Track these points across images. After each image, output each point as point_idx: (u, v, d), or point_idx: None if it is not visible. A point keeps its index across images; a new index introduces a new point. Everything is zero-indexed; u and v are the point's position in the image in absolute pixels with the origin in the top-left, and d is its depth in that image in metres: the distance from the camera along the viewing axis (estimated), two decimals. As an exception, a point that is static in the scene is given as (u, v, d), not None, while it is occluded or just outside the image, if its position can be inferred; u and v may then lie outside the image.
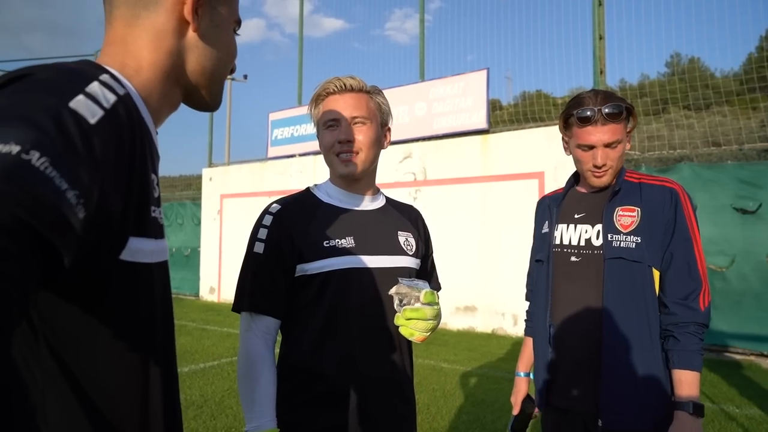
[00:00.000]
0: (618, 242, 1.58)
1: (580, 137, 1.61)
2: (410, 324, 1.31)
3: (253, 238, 1.41)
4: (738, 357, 6.11)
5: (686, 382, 1.50)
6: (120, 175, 0.61)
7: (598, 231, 1.64)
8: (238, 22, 0.88)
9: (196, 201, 13.04)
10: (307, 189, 1.53)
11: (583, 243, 1.67)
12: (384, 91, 1.53)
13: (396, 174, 8.82)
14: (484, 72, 8.28)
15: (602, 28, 7.41)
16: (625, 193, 1.63)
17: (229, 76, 0.91)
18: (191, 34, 0.78)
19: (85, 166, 0.54)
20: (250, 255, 1.41)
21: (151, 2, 0.74)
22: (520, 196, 7.56)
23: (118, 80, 0.66)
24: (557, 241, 1.72)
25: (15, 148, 0.48)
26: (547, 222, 1.79)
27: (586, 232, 1.66)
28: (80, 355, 0.63)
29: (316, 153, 10.20)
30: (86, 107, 0.57)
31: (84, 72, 0.62)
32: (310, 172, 10.27)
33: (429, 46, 9.39)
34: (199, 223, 12.62)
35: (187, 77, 0.80)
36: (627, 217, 1.60)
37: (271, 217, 1.41)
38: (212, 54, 0.81)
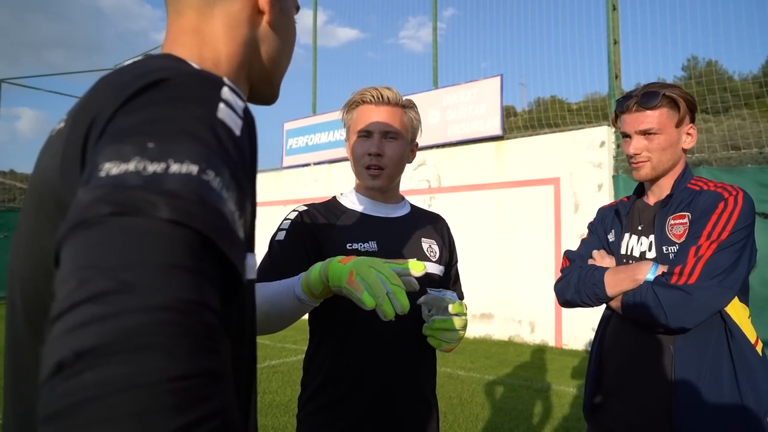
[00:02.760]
0: (673, 254, 1.46)
1: (621, 126, 1.60)
2: (438, 334, 1.33)
3: (276, 231, 1.43)
4: (762, 364, 5.97)
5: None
6: (254, 187, 0.58)
7: (651, 242, 1.55)
8: (298, 8, 0.84)
9: (213, 210, 13.15)
10: (333, 197, 1.56)
11: (638, 255, 1.58)
12: (397, 99, 1.55)
13: (411, 181, 8.82)
14: (498, 78, 8.27)
15: (617, 32, 7.36)
16: (679, 201, 1.52)
17: None
18: (264, 25, 0.73)
19: (242, 183, 0.50)
20: (272, 243, 1.41)
21: None
22: (536, 202, 7.51)
23: (232, 81, 0.60)
24: (623, 251, 1.64)
25: (194, 168, 0.44)
26: (613, 231, 1.71)
27: (642, 244, 1.58)
28: None
29: (330, 162, 10.26)
30: (230, 117, 0.52)
31: (209, 76, 0.56)
32: (325, 181, 10.31)
33: (442, 53, 9.43)
34: (215, 233, 12.71)
35: (256, 69, 0.75)
36: (679, 225, 1.49)
37: (296, 213, 1.44)
38: (281, 44, 0.77)
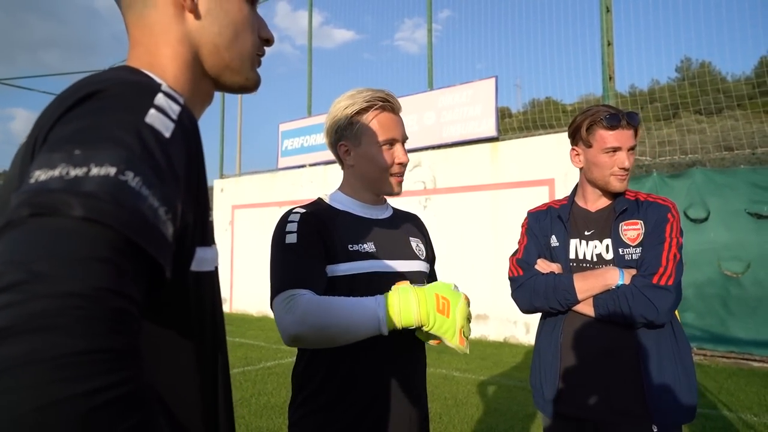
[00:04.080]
0: (629, 255, 1.68)
1: (608, 141, 1.71)
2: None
3: (281, 234, 1.37)
4: (756, 364, 6.01)
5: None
6: (191, 186, 0.61)
7: (607, 245, 1.73)
8: None
9: (208, 212, 13.13)
10: (319, 199, 1.54)
11: (595, 258, 1.75)
12: (393, 100, 1.56)
13: (406, 183, 8.77)
14: (493, 80, 8.30)
15: (610, 34, 7.39)
16: (630, 209, 1.73)
17: (266, 47, 0.85)
18: (189, 17, 0.74)
19: (168, 181, 0.54)
20: (281, 247, 1.35)
21: None
22: (531, 203, 7.47)
23: (172, 89, 0.64)
24: (572, 255, 1.79)
25: (111, 170, 0.48)
26: (554, 236, 1.83)
27: (596, 247, 1.75)
28: (162, 371, 0.62)
29: (326, 163, 10.25)
30: (160, 121, 0.56)
31: (147, 83, 0.61)
32: (321, 182, 10.31)
33: (438, 55, 9.44)
34: (210, 234, 12.70)
35: (208, 61, 0.76)
36: (632, 230, 1.70)
37: (298, 216, 1.40)
38: (221, 29, 0.75)
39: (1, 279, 0.41)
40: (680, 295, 1.63)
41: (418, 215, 1.72)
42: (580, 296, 1.67)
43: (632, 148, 1.72)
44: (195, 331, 0.66)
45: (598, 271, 1.68)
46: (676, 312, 1.70)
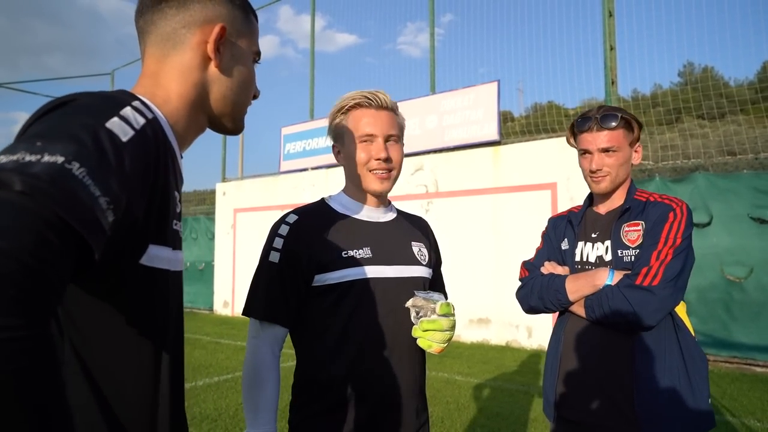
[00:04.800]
0: (629, 256, 1.64)
1: (580, 144, 1.75)
2: (428, 336, 1.33)
3: (269, 247, 1.41)
4: (759, 369, 5.99)
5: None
6: (145, 186, 0.69)
7: (607, 247, 1.71)
8: (258, 54, 0.96)
9: (210, 215, 13.15)
10: (322, 200, 1.54)
11: (595, 260, 1.73)
12: (394, 105, 1.56)
13: (408, 186, 8.83)
14: (495, 84, 8.31)
15: (613, 38, 7.40)
16: (633, 211, 1.69)
17: (253, 101, 0.99)
18: (213, 69, 0.87)
19: (116, 176, 0.61)
20: (264, 263, 1.42)
21: (178, 42, 0.84)
22: (533, 207, 7.52)
23: (147, 107, 0.74)
24: (577, 258, 1.78)
25: (60, 159, 0.56)
26: (566, 239, 1.84)
27: (598, 249, 1.74)
28: (98, 353, 0.69)
29: (328, 166, 10.27)
30: (119, 127, 0.65)
31: (119, 98, 0.71)
32: (323, 186, 10.32)
33: (440, 59, 9.46)
34: (212, 238, 12.71)
35: (211, 106, 0.89)
36: (633, 232, 1.66)
37: (288, 227, 1.41)
38: (233, 85, 0.89)
39: None
40: (674, 297, 1.53)
41: (425, 219, 1.70)
42: (570, 297, 1.66)
43: (607, 150, 1.67)
44: (140, 322, 0.73)
45: (589, 272, 1.66)
46: (686, 319, 1.63)
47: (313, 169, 10.73)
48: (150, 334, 0.75)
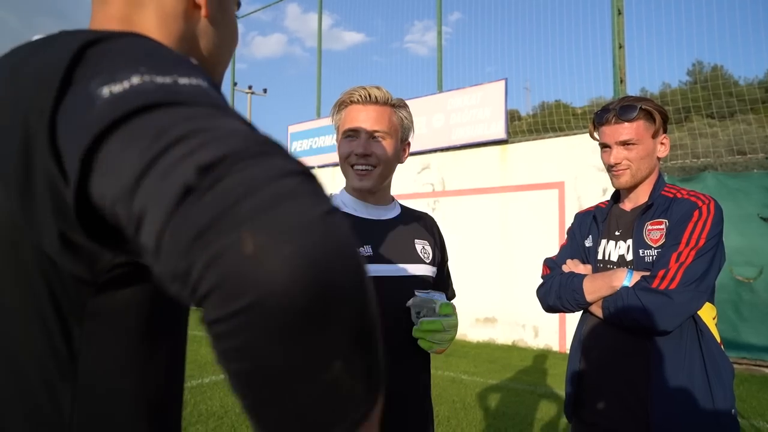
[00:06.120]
0: (650, 257, 1.56)
1: (600, 137, 1.69)
2: (428, 336, 1.32)
3: None
4: (768, 371, 5.94)
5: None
6: None
7: (629, 246, 1.64)
8: (238, 4, 0.82)
9: (217, 213, 13.20)
10: None
11: (617, 259, 1.67)
12: (401, 103, 1.54)
13: (414, 185, 8.82)
14: (502, 82, 8.27)
15: (622, 37, 7.35)
16: (657, 208, 1.61)
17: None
18: (202, 19, 0.70)
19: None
20: None
21: None
22: (540, 206, 7.49)
23: None
24: (600, 256, 1.73)
25: (202, 82, 0.49)
26: (591, 236, 1.79)
27: (620, 248, 1.67)
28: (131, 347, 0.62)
29: (335, 165, 10.27)
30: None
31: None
32: (329, 184, 10.33)
33: (448, 57, 9.43)
34: (219, 235, 12.75)
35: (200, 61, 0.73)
36: (656, 230, 1.58)
37: None
38: (220, 39, 0.74)
39: (163, 139, 0.41)
40: (694, 302, 1.46)
41: (431, 215, 1.67)
42: (588, 297, 1.60)
43: (626, 143, 1.60)
44: (161, 312, 0.63)
45: (608, 273, 1.61)
46: (711, 325, 1.55)
47: (319, 167, 10.75)
48: (168, 326, 0.68)
